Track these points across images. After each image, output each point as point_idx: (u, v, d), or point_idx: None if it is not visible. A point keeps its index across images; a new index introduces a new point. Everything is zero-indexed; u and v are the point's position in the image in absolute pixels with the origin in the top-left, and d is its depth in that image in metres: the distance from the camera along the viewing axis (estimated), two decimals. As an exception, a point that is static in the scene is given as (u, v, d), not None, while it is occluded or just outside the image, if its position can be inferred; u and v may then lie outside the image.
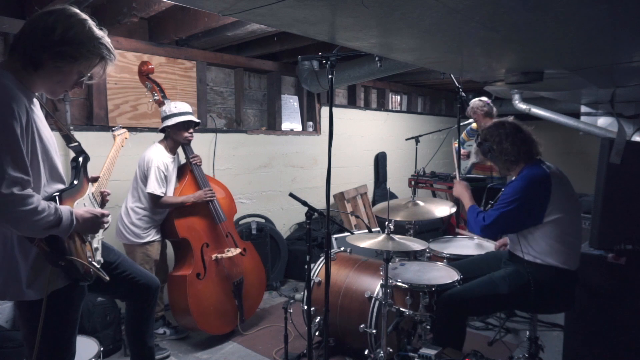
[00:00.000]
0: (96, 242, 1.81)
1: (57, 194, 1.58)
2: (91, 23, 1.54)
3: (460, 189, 2.70)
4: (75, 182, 1.73)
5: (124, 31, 3.60)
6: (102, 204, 1.90)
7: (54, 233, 1.50)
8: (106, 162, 2.05)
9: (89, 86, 3.50)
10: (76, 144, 1.84)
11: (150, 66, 3.17)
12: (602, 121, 4.64)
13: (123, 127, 2.40)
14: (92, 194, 1.82)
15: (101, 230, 1.84)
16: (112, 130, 2.34)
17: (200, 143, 4.14)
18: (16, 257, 1.56)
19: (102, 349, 2.26)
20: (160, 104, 3.17)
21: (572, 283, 2.35)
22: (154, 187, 2.97)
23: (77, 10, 1.54)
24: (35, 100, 1.58)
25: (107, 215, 1.74)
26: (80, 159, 1.79)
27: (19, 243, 1.55)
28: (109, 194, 1.94)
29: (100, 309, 3.00)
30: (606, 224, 2.63)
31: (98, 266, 1.73)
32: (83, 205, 1.72)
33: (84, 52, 1.51)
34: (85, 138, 3.37)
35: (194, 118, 3.14)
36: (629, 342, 2.54)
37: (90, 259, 1.69)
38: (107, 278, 1.75)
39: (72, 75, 1.56)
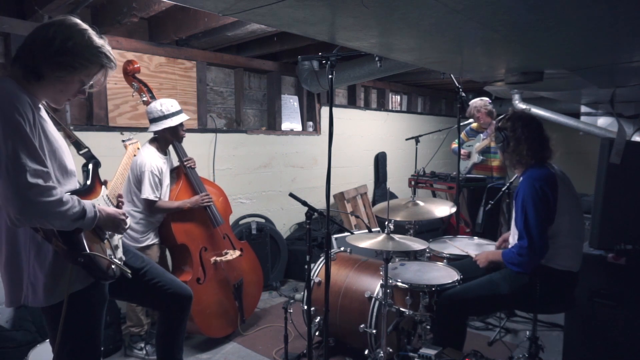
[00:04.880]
0: (116, 240, 1.81)
1: (70, 192, 1.60)
2: (91, 32, 1.57)
3: (483, 257, 2.53)
4: (89, 182, 1.76)
5: (124, 31, 3.60)
6: (118, 206, 1.90)
7: (80, 226, 1.54)
8: (119, 169, 2.08)
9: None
10: (86, 149, 1.86)
11: (136, 65, 3.08)
12: (602, 121, 4.64)
13: (135, 138, 2.41)
14: (107, 195, 1.83)
15: None
16: (124, 141, 2.36)
17: (200, 143, 4.14)
18: (33, 263, 1.57)
19: (102, 349, 2.26)
20: (149, 104, 3.07)
21: (573, 284, 2.35)
22: (148, 192, 2.91)
23: (77, 20, 1.57)
24: (41, 106, 1.60)
25: (127, 217, 1.78)
26: (91, 165, 1.81)
27: (36, 248, 1.57)
28: (122, 198, 1.94)
29: (100, 309, 3.00)
30: (606, 224, 2.63)
31: (119, 262, 1.74)
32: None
33: (83, 62, 1.54)
34: (85, 138, 3.32)
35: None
36: (629, 342, 2.54)
37: (110, 256, 1.70)
38: (130, 273, 1.75)
39: (74, 84, 1.59)
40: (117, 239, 1.83)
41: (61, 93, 1.60)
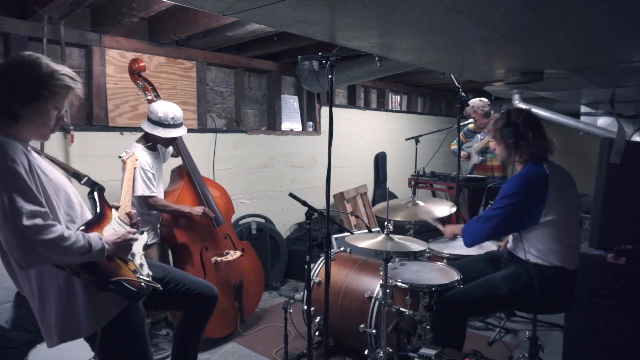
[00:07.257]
0: (138, 259, 1.84)
1: (82, 227, 1.63)
2: (47, 59, 1.60)
3: (450, 230, 2.80)
4: (98, 210, 1.78)
5: (124, 31, 3.60)
6: (133, 224, 1.92)
7: (90, 259, 1.56)
8: (123, 186, 2.10)
9: (89, 86, 3.50)
10: (86, 178, 1.88)
11: (141, 64, 3.06)
12: (602, 121, 4.64)
13: (130, 151, 2.42)
14: (119, 217, 1.85)
15: (140, 246, 1.88)
16: (120, 157, 2.37)
17: (200, 143, 4.14)
18: (66, 299, 1.62)
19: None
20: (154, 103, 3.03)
21: (571, 283, 2.35)
22: (142, 189, 2.86)
23: (29, 52, 1.60)
24: (29, 148, 1.63)
25: (134, 233, 1.78)
26: (96, 192, 1.83)
27: (66, 285, 1.61)
28: (135, 213, 1.96)
29: (100, 309, 3.00)
30: (606, 224, 2.63)
31: (147, 278, 1.76)
32: (112, 231, 1.75)
33: (51, 88, 1.56)
34: (85, 138, 3.38)
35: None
36: (629, 342, 2.53)
37: (138, 275, 1.72)
38: (160, 287, 1.78)
39: (50, 112, 1.61)
40: (138, 257, 1.85)
41: (43, 126, 1.62)
